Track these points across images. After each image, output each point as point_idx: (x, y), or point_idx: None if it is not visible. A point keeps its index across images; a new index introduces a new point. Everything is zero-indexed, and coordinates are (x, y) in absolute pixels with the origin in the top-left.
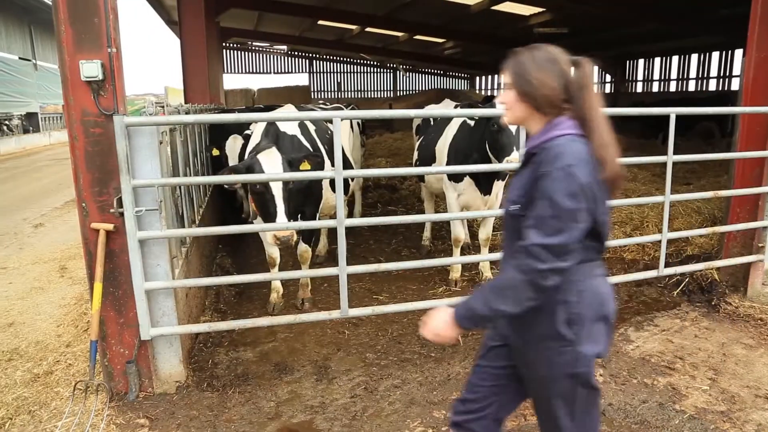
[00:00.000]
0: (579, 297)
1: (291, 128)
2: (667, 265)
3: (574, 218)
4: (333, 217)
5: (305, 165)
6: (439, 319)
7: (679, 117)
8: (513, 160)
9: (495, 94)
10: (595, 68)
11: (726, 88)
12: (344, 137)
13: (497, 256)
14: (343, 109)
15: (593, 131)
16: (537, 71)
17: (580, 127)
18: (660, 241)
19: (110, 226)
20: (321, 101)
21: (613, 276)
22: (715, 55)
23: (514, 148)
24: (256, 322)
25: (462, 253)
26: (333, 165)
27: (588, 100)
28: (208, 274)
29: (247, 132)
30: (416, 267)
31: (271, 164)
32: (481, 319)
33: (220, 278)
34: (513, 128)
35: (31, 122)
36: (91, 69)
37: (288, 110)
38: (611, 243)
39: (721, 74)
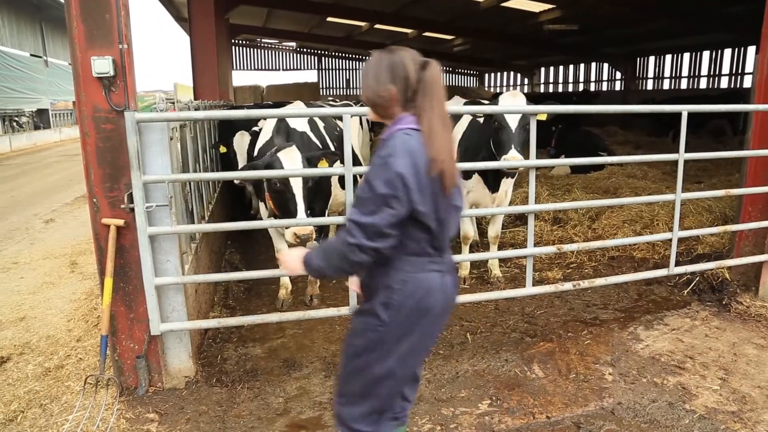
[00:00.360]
0: (402, 285)
1: (301, 125)
2: (677, 263)
3: (387, 203)
4: (341, 213)
5: (323, 163)
6: (294, 256)
7: (690, 114)
8: (511, 158)
9: (503, 91)
10: (440, 69)
11: (738, 86)
12: (353, 134)
13: (506, 253)
14: (352, 106)
15: (425, 129)
16: (373, 77)
17: (419, 123)
18: (670, 240)
19: (121, 222)
20: (330, 98)
21: (622, 274)
22: (727, 52)
23: (513, 145)
24: (266, 318)
25: (470, 251)
26: (342, 162)
27: (425, 101)
28: (217, 271)
29: (255, 129)
30: None
31: (292, 163)
32: (313, 270)
33: (230, 274)
34: (513, 126)
35: (41, 119)
36: (102, 65)
37: (297, 107)
38: (622, 241)
39: (733, 71)
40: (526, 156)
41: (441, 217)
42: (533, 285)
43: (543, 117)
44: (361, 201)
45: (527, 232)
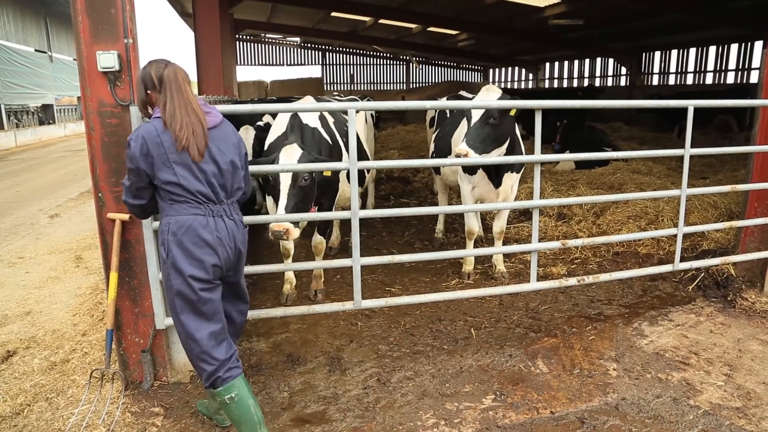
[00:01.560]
0: (167, 227)
1: (312, 121)
2: (682, 259)
3: (129, 173)
4: (346, 208)
5: (326, 172)
6: None
7: (696, 110)
8: (457, 151)
9: (509, 86)
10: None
11: (745, 81)
12: (360, 129)
13: (510, 248)
14: (358, 100)
15: (166, 116)
16: (137, 88)
17: (162, 112)
18: (675, 236)
19: (126, 217)
20: (335, 93)
21: (627, 270)
22: (734, 47)
23: (465, 140)
24: (270, 313)
25: (475, 246)
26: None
27: (165, 94)
28: None
29: (259, 123)
30: (429, 259)
31: (287, 159)
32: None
33: None
34: (475, 119)
35: (46, 114)
36: (107, 60)
37: (308, 102)
38: (626, 237)
39: (740, 67)
40: (529, 151)
41: (197, 178)
42: (537, 280)
43: (513, 112)
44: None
45: (532, 228)
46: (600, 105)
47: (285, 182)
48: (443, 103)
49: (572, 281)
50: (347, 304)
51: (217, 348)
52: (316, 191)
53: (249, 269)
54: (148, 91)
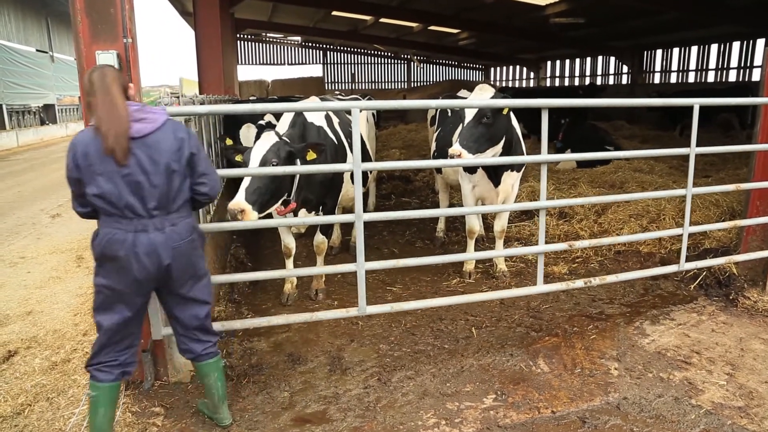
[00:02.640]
0: (97, 239)
1: (318, 120)
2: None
3: (69, 182)
4: (350, 210)
5: (310, 155)
6: None
7: (699, 108)
8: (450, 151)
9: (509, 84)
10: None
11: (747, 79)
12: (362, 128)
13: (517, 251)
14: (360, 99)
15: (95, 121)
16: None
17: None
18: (679, 235)
19: None
20: (337, 92)
21: (630, 270)
22: (736, 45)
23: (458, 140)
24: (272, 321)
25: (476, 245)
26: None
27: (93, 99)
28: (223, 266)
29: (261, 122)
30: (434, 263)
31: (262, 145)
32: None
33: (235, 275)
34: (467, 119)
35: (48, 114)
36: (107, 59)
37: (311, 102)
38: (632, 238)
39: (742, 65)
40: (532, 150)
41: (122, 191)
42: (542, 281)
43: (505, 111)
44: None
45: (533, 227)
46: (604, 103)
47: (252, 164)
48: (444, 102)
49: (579, 283)
50: (351, 311)
51: (108, 347)
52: (292, 183)
53: (251, 276)
54: (89, 99)
